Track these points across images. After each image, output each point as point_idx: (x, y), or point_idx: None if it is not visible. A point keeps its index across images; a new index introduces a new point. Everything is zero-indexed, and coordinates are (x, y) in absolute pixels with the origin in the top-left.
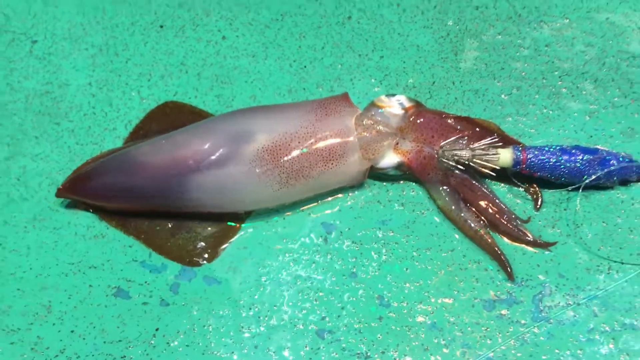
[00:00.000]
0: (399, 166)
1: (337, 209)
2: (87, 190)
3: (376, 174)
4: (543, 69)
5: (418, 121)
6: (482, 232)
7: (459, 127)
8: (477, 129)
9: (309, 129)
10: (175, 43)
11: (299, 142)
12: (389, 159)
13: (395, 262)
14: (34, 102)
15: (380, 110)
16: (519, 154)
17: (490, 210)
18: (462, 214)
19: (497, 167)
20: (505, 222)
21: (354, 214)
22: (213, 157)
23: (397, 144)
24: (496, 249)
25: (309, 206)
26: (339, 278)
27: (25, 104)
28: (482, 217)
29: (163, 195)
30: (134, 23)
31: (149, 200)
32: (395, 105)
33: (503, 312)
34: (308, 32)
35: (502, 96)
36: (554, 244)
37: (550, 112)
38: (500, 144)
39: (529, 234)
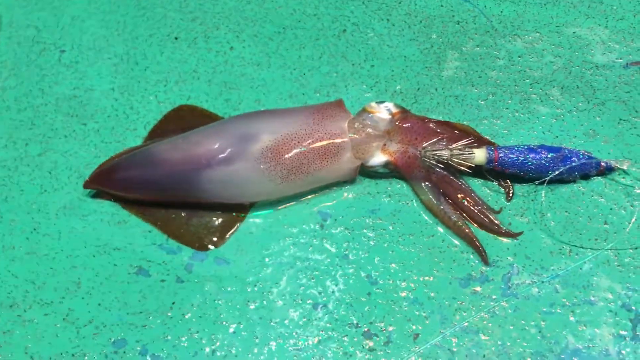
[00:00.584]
0: (386, 165)
1: (333, 199)
2: (111, 182)
3: (366, 172)
4: (516, 77)
5: (403, 125)
6: (459, 222)
7: (439, 130)
8: (455, 132)
9: (307, 130)
10: (188, 53)
11: (298, 142)
12: (378, 158)
13: (382, 246)
14: (63, 105)
15: (370, 115)
16: (491, 153)
17: (466, 203)
18: (442, 207)
19: (473, 165)
20: (479, 213)
21: (347, 204)
22: (223, 155)
23: (385, 145)
24: (472, 237)
25: (307, 197)
26: (333, 259)
27: (55, 106)
28: (460, 209)
29: (179, 187)
30: (152, 35)
31: (166, 191)
32: (383, 111)
33: (476, 288)
34: (307, 44)
35: (479, 101)
36: (519, 233)
37: (522, 115)
38: (475, 144)
39: (499, 225)
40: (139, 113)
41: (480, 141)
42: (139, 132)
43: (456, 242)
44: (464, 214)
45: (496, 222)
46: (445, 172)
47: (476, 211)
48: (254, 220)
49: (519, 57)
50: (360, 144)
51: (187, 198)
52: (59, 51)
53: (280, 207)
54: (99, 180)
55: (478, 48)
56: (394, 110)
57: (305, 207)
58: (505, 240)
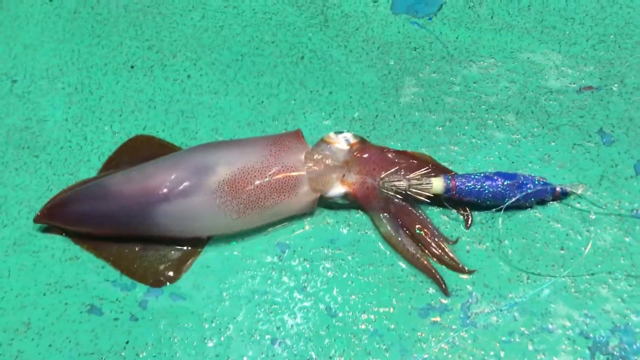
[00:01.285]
0: (345, 196)
1: (292, 230)
2: (62, 216)
3: (326, 203)
4: (472, 103)
5: (362, 156)
6: (417, 255)
7: (397, 160)
8: (413, 161)
9: (264, 163)
10: (144, 82)
11: (254, 176)
12: (337, 190)
13: (341, 277)
14: (14, 136)
15: (328, 146)
16: (449, 182)
17: (424, 235)
18: (401, 239)
19: (431, 195)
20: (436, 247)
21: (306, 234)
22: (179, 188)
23: (344, 176)
24: (431, 268)
25: (266, 229)
26: (292, 292)
27: (6, 138)
28: (417, 241)
29: (132, 221)
30: (107, 64)
31: (120, 226)
32: (341, 142)
33: (436, 319)
34: (265, 71)
35: (437, 127)
36: (473, 271)
37: (478, 141)
38: (433, 174)
39: (455, 260)
40: (93, 144)
41: (438, 169)
42: (92, 163)
43: (416, 271)
44: (422, 246)
45: (452, 255)
46: (403, 203)
47: (433, 244)
48: (211, 253)
49: (475, 82)
50: (319, 175)
51: (141, 232)
52: (11, 81)
53: (238, 240)
54: (50, 214)
55: (435, 74)
56: (352, 140)
57: (264, 239)
58: (465, 266)
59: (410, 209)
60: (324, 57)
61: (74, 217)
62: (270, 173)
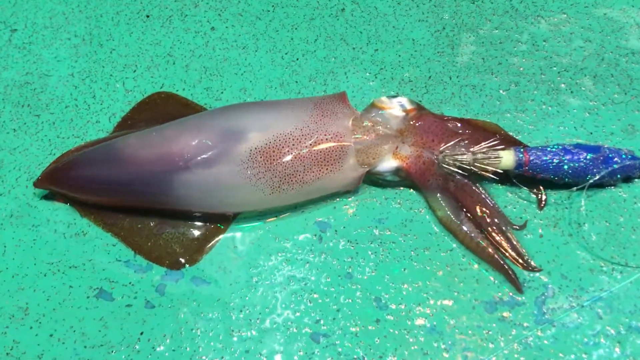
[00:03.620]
0: (397, 171)
1: (332, 206)
2: (67, 181)
3: (372, 179)
4: (541, 65)
5: (418, 124)
6: (484, 244)
7: (459, 130)
8: (479, 131)
9: (303, 130)
10: (162, 33)
11: (293, 145)
12: (387, 164)
13: (393, 262)
14: (13, 93)
15: (380, 112)
16: (521, 155)
17: (486, 218)
18: (463, 225)
19: (500, 170)
20: (498, 233)
21: (350, 212)
22: (202, 155)
23: (397, 148)
24: (500, 261)
25: (302, 205)
26: (334, 279)
27: (3, 95)
28: (480, 226)
29: (147, 191)
30: (119, 12)
31: (132, 195)
32: (396, 107)
33: (505, 314)
34: (300, 24)
35: (500, 91)
36: (538, 270)
37: (549, 108)
38: (502, 146)
39: (521, 253)
40: (103, 103)
41: (507, 141)
42: (102, 125)
43: (478, 258)
44: (485, 233)
45: (518, 247)
46: (465, 180)
47: (496, 230)
48: (239, 232)
49: (544, 41)
50: (369, 147)
51: (158, 205)
52: (10, 30)
53: (271, 217)
54: (53, 178)
55: (497, 31)
56: (409, 106)
57: (300, 217)
58: (536, 254)
59: (473, 188)
60: (368, 9)
61: (80, 183)
62: (310, 142)
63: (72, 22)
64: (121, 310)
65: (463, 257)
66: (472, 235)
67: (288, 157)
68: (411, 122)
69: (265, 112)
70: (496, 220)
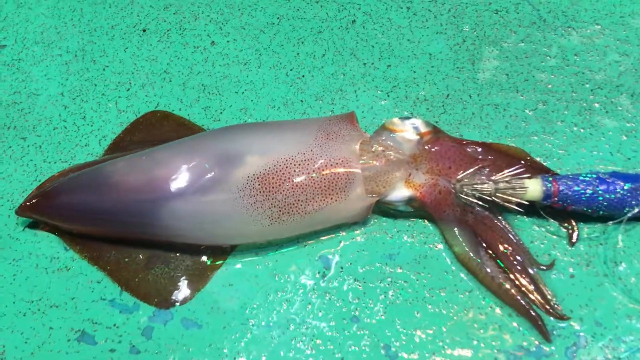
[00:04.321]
0: (409, 201)
1: (338, 240)
2: (51, 209)
3: (382, 208)
4: (572, 81)
5: (434, 149)
6: (507, 286)
7: (479, 156)
8: (502, 157)
9: (307, 154)
10: (159, 49)
11: (295, 171)
12: (399, 192)
13: (405, 305)
14: None
15: (392, 135)
16: (549, 185)
17: (509, 256)
18: (484, 265)
19: (525, 202)
20: (521, 274)
21: (356, 246)
22: (195, 181)
23: (410, 175)
24: (525, 305)
25: (305, 238)
26: (339, 322)
27: None
28: (502, 264)
29: (136, 221)
30: (114, 26)
31: (120, 225)
32: (409, 130)
33: None
34: (307, 38)
35: (526, 111)
36: (567, 318)
37: (582, 130)
38: (528, 174)
39: (548, 297)
40: (94, 124)
41: (533, 169)
42: (91, 148)
43: (500, 301)
44: (506, 270)
45: (544, 290)
46: (486, 213)
47: (519, 271)
48: (235, 268)
49: (575, 55)
50: (378, 174)
51: (147, 236)
52: None
53: (269, 252)
54: (36, 206)
55: (522, 44)
56: (423, 129)
57: (302, 251)
58: (567, 297)
59: (495, 221)
60: (380, 21)
61: (65, 211)
62: (314, 168)
63: (64, 37)
64: (104, 355)
65: (483, 299)
66: (494, 275)
67: (289, 185)
68: (426, 147)
69: (265, 134)
70: (520, 258)
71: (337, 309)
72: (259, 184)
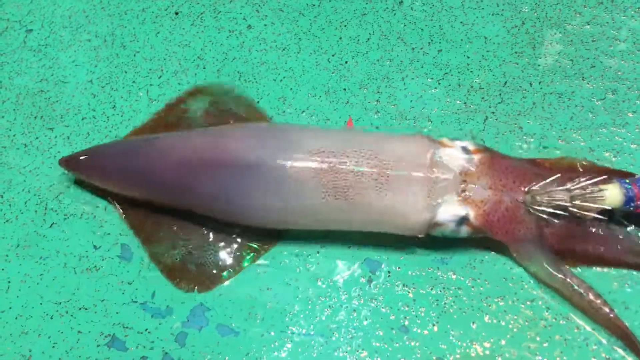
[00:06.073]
0: (462, 220)
1: (384, 242)
2: (97, 170)
3: (430, 234)
4: None
5: (492, 165)
6: (598, 302)
7: (539, 172)
8: (564, 172)
9: (380, 155)
10: (192, 33)
11: (366, 159)
12: (451, 208)
13: (459, 314)
14: (26, 102)
15: (439, 149)
16: (629, 187)
17: (623, 255)
18: (569, 280)
19: (606, 208)
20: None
21: (406, 249)
22: (250, 155)
23: (464, 191)
24: (621, 324)
25: (350, 238)
26: (387, 332)
27: (15, 104)
28: (606, 261)
29: (178, 193)
30: (145, 9)
31: (167, 195)
32: (457, 148)
33: None
34: (350, 21)
35: (594, 101)
36: None
37: None
38: (603, 177)
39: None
40: (124, 114)
41: (597, 173)
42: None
43: (568, 310)
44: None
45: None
46: (564, 221)
47: (628, 250)
48: (274, 270)
49: None
50: (435, 182)
51: (185, 206)
52: (25, 30)
53: (311, 252)
54: (81, 164)
55: (589, 26)
56: (472, 147)
57: (347, 253)
58: None
59: (583, 228)
60: (430, 2)
61: (111, 173)
62: (376, 161)
63: (93, 20)
64: None
65: (547, 310)
66: (586, 295)
67: (356, 169)
68: (481, 164)
69: (335, 135)
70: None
71: (385, 317)
72: (320, 158)
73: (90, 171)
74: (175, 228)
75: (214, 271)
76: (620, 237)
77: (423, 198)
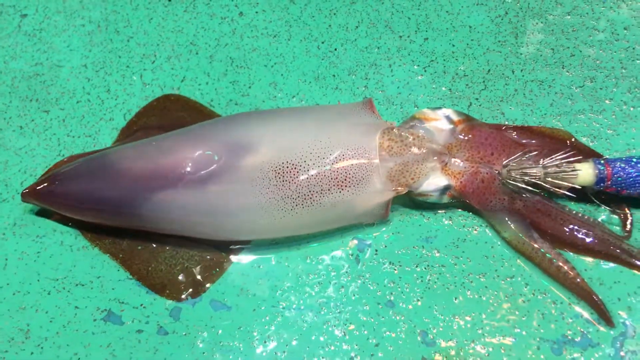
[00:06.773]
0: (445, 189)
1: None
2: (54, 197)
3: (415, 200)
4: (622, 57)
5: (472, 136)
6: (566, 267)
7: (522, 140)
8: (546, 140)
9: (323, 143)
10: (184, 19)
11: (310, 161)
12: (435, 180)
13: (443, 290)
14: (21, 85)
15: (423, 124)
16: (602, 168)
17: (582, 235)
18: (538, 246)
19: (576, 186)
20: (608, 244)
21: (392, 228)
22: (203, 170)
23: (446, 164)
24: (587, 288)
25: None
26: (374, 307)
27: (10, 87)
28: (568, 246)
29: (140, 212)
30: None
31: (123, 216)
32: (442, 119)
33: (575, 356)
34: (340, 9)
35: (573, 88)
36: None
37: (632, 109)
38: (578, 157)
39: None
40: (118, 98)
41: (581, 152)
42: (116, 122)
43: (545, 286)
44: (583, 250)
45: (630, 248)
46: (537, 197)
47: (597, 238)
48: (263, 249)
49: (625, 29)
50: (407, 164)
51: (150, 229)
52: (19, 15)
53: (300, 234)
54: (39, 193)
55: (569, 16)
56: (456, 117)
57: (336, 233)
58: (614, 285)
59: (548, 204)
60: None
61: (68, 200)
62: (330, 158)
63: (86, 6)
64: (131, 336)
65: (526, 286)
66: (553, 259)
67: (304, 176)
68: (462, 135)
69: (279, 122)
70: (599, 231)
71: (372, 293)
72: (273, 174)
73: (54, 202)
74: (154, 245)
75: (199, 277)
76: (590, 222)
77: (382, 183)
